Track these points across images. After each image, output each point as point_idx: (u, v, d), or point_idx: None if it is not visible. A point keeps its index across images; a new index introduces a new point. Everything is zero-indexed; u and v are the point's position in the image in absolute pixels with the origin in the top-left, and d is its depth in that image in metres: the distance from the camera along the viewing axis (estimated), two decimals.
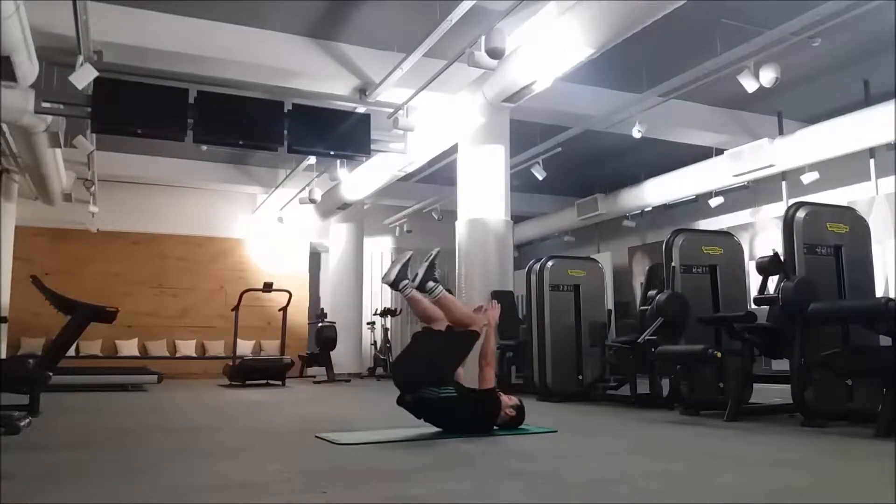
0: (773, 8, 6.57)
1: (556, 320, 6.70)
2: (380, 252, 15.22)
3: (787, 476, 2.78)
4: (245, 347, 11.81)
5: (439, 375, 3.76)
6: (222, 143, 7.54)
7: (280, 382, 9.56)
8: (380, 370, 12.24)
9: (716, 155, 10.10)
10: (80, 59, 5.86)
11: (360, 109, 7.76)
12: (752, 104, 9.17)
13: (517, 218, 10.96)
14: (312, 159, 9.96)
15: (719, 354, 4.65)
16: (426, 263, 3.85)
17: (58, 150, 8.78)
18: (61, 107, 6.68)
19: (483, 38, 5.71)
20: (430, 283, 3.85)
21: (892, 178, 8.81)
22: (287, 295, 10.30)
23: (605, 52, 5.93)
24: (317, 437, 3.70)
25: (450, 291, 3.95)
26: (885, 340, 3.98)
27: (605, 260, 11.66)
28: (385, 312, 12.73)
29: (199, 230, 12.92)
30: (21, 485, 2.55)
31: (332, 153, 7.63)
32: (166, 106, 6.59)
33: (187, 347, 12.27)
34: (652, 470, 2.92)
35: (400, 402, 3.79)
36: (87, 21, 5.59)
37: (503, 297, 8.05)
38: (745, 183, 10.32)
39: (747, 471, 2.89)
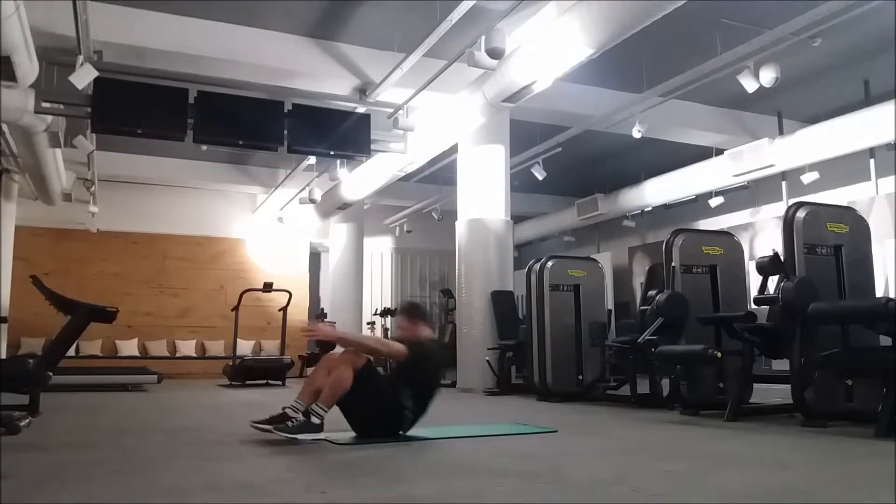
0: (773, 8, 6.57)
1: (556, 320, 6.69)
2: (380, 252, 15.22)
3: (787, 476, 2.78)
4: (245, 347, 11.80)
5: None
6: (222, 143, 7.53)
7: (280, 382, 9.55)
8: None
9: (716, 155, 10.10)
10: (80, 59, 5.85)
11: (360, 109, 7.75)
12: (752, 104, 9.16)
13: (517, 218, 10.95)
14: (312, 159, 9.95)
15: (719, 354, 4.66)
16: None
17: (58, 150, 8.78)
18: (61, 107, 6.67)
19: (483, 38, 5.71)
20: None
21: (892, 178, 8.81)
22: (287, 295, 10.30)
23: (605, 52, 5.92)
24: None
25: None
26: (885, 340, 3.99)
27: (605, 260, 11.65)
28: (385, 312, 12.72)
29: (199, 230, 12.91)
30: (21, 485, 2.55)
31: (332, 153, 7.62)
32: (166, 106, 6.58)
33: (187, 347, 12.26)
34: (652, 470, 2.92)
35: None
36: (87, 21, 5.59)
37: (503, 297, 8.13)
38: (745, 183, 10.32)
39: (747, 471, 2.89)
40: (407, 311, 4.21)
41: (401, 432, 3.79)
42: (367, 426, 3.78)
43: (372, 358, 3.81)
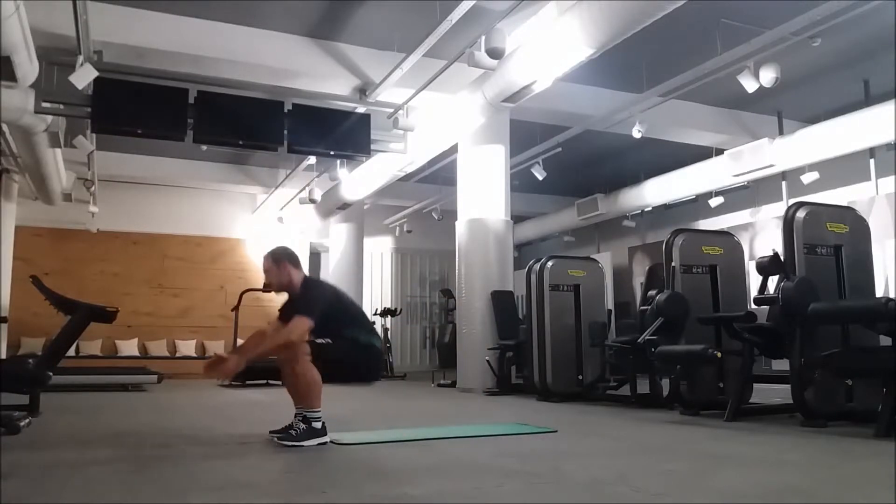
0: (773, 8, 6.57)
1: (556, 320, 6.69)
2: (380, 252, 15.22)
3: (787, 476, 2.78)
4: None
5: None
6: (222, 143, 7.51)
7: (280, 383, 9.53)
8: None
9: (716, 155, 10.10)
10: (80, 59, 5.85)
11: (360, 109, 7.75)
12: (752, 104, 9.16)
13: (517, 218, 10.95)
14: (312, 159, 9.94)
15: (719, 354, 4.66)
16: None
17: (58, 150, 8.77)
18: (61, 107, 6.66)
19: (483, 38, 5.71)
20: None
21: (892, 178, 8.81)
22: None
23: (605, 52, 5.91)
24: None
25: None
26: (885, 340, 3.99)
27: (605, 260, 11.65)
28: (385, 312, 12.72)
29: (199, 230, 12.91)
30: (21, 485, 2.55)
31: (332, 153, 7.62)
32: (166, 106, 6.58)
33: (187, 347, 12.26)
34: (652, 470, 2.92)
35: None
36: (87, 21, 5.58)
37: (503, 297, 8.12)
38: (745, 183, 10.32)
39: (747, 471, 2.89)
40: (269, 256, 3.95)
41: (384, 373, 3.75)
42: (351, 376, 3.89)
43: (306, 332, 3.60)
